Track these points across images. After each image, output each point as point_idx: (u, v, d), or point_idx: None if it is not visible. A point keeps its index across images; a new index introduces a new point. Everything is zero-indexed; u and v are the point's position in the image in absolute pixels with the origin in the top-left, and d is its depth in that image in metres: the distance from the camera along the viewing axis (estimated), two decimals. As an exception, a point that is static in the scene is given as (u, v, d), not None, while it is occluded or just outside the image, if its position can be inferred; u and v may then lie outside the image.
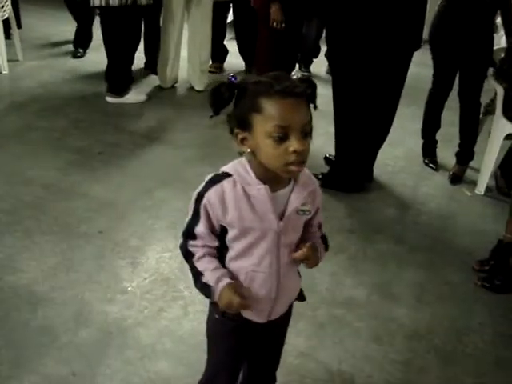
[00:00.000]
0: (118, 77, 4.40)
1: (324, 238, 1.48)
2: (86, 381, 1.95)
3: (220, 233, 1.36)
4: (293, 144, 1.20)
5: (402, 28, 2.97)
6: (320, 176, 3.41)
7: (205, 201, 1.31)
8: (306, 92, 1.22)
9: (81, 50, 5.42)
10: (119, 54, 4.29)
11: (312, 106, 1.30)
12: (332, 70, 3.35)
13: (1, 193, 3.00)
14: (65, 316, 2.22)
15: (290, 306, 1.54)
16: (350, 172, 3.37)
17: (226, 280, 1.32)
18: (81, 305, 2.29)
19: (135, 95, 4.51)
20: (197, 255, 1.35)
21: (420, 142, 3.98)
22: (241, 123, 1.25)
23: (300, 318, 2.31)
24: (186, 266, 1.41)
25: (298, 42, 4.31)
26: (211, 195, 1.30)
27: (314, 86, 1.27)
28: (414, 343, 2.28)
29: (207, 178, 1.33)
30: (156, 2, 4.68)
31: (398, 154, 4.01)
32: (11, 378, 1.92)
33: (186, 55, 4.88)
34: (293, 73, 1.28)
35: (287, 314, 1.54)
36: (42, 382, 1.92)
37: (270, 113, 1.20)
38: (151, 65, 5.08)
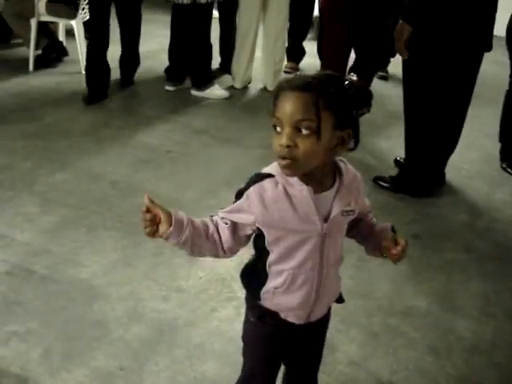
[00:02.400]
0: (201, 71, 4.58)
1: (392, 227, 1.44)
2: (132, 376, 1.97)
3: (257, 238, 1.34)
4: (281, 137, 1.19)
5: (472, 28, 2.84)
6: (389, 180, 3.32)
7: (243, 198, 1.29)
8: (309, 88, 1.17)
9: None
10: (201, 49, 4.47)
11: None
12: (404, 69, 3.23)
13: (70, 188, 3.10)
14: (119, 311, 2.26)
15: (329, 309, 1.50)
16: (420, 175, 3.25)
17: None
18: (135, 301, 2.32)
19: (218, 91, 4.64)
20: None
21: (498, 145, 3.79)
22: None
23: (354, 326, 2.25)
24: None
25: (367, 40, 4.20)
26: (251, 193, 1.27)
27: (339, 87, 1.22)
28: (474, 358, 2.16)
29: (250, 177, 1.32)
30: (231, 3, 4.77)
31: (473, 158, 3.83)
32: (61, 369, 1.97)
33: (261, 55, 4.89)
34: (351, 74, 1.23)
35: (326, 317, 1.50)
36: (90, 374, 1.96)
37: (276, 104, 1.21)
38: (226, 65, 5.13)
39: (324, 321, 1.50)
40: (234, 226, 1.32)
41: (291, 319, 1.40)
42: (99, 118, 4.04)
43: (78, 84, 4.67)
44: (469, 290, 2.55)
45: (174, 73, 4.68)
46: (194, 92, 4.63)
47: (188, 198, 3.11)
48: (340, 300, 1.50)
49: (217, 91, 4.63)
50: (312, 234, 1.28)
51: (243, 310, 2.27)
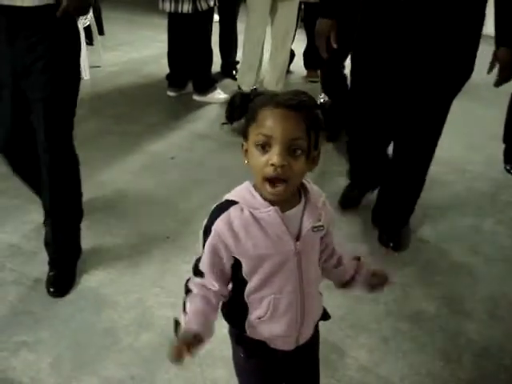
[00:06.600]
0: (202, 76, 4.60)
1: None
2: (143, 385, 1.97)
3: (233, 268, 1.27)
4: (272, 156, 1.15)
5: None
6: None
7: (212, 234, 1.22)
8: (302, 107, 1.15)
9: None
10: (202, 54, 4.48)
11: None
12: None
13: (75, 196, 3.09)
14: (128, 319, 2.26)
15: (316, 327, 1.46)
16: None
17: (193, 330, 1.23)
18: (144, 309, 2.32)
19: (220, 95, 4.66)
20: (192, 293, 1.28)
21: (502, 146, 3.79)
22: (244, 134, 1.23)
23: (363, 331, 2.25)
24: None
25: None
26: (219, 225, 1.21)
27: (318, 109, 1.20)
28: (484, 362, 2.16)
29: (211, 210, 1.26)
30: (231, 6, 4.78)
31: (477, 160, 3.83)
32: (72, 379, 1.97)
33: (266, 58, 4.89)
34: (321, 96, 1.23)
35: (314, 336, 1.46)
36: (101, 384, 1.96)
37: (259, 121, 1.17)
38: (227, 69, 5.14)
39: (313, 339, 1.45)
40: (221, 273, 1.27)
41: (280, 347, 1.37)
42: (102, 125, 4.03)
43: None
44: (476, 293, 2.55)
45: (175, 78, 4.68)
46: (196, 97, 4.64)
47: (193, 204, 3.10)
48: (325, 317, 1.47)
49: (219, 95, 4.64)
50: (287, 255, 1.24)
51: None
